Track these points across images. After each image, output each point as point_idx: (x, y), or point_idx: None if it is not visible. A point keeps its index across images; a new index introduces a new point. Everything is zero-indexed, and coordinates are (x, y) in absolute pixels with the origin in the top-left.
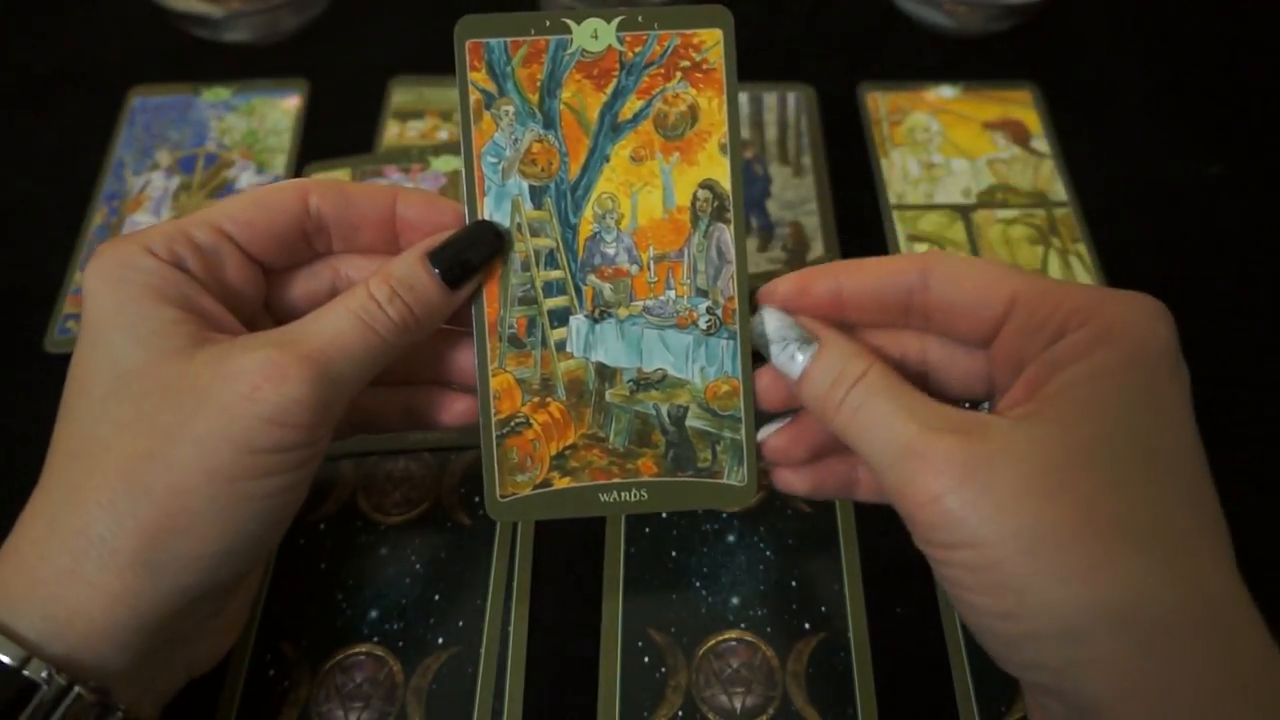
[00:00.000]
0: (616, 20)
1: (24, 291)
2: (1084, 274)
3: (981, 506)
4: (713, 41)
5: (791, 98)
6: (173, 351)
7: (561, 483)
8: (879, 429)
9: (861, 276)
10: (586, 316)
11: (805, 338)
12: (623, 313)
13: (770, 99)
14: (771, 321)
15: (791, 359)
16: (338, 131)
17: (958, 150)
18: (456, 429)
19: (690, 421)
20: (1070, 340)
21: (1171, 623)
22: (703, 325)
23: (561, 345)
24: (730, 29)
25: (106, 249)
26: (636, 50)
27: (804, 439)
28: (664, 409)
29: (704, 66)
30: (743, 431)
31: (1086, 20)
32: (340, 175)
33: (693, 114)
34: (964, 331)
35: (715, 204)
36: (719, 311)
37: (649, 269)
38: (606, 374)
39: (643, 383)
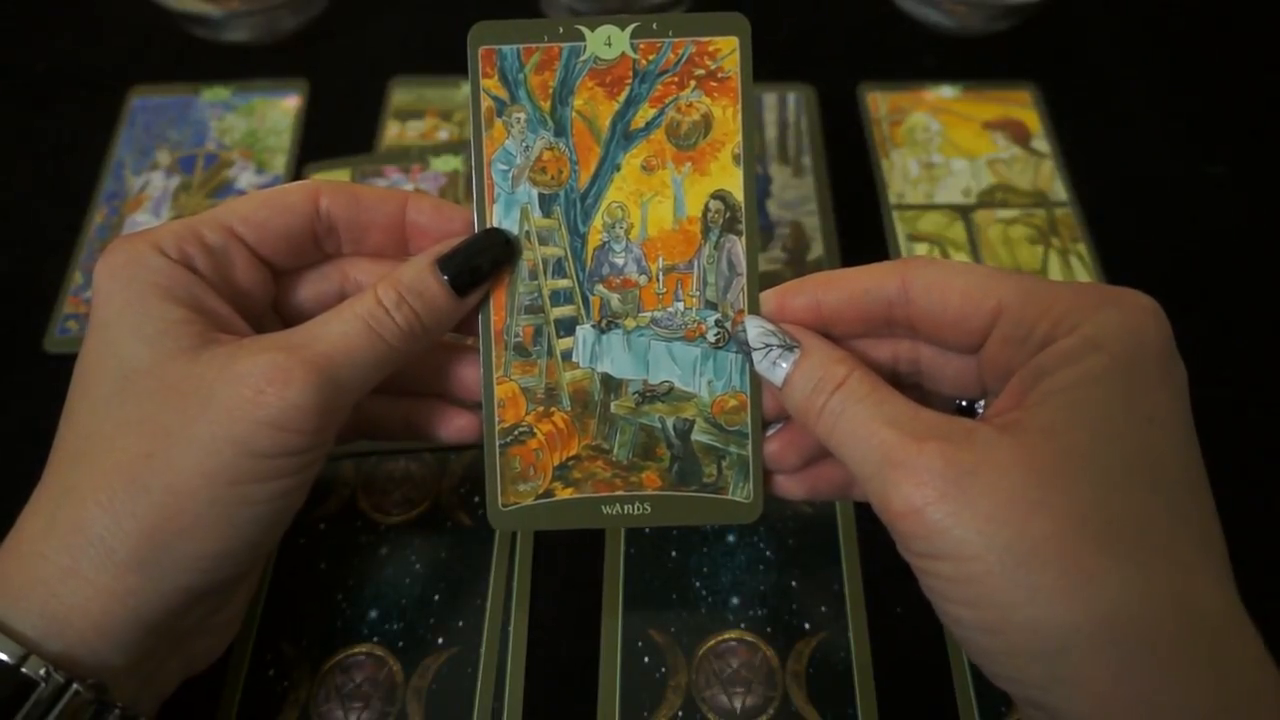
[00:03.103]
0: (631, 27)
1: (24, 291)
2: (1084, 274)
3: (964, 520)
4: (728, 50)
5: (791, 98)
6: (178, 351)
7: (564, 493)
8: (860, 436)
9: (839, 291)
10: (593, 326)
11: (787, 344)
12: (630, 324)
13: (770, 99)
14: (753, 328)
15: (774, 365)
16: (338, 131)
17: (958, 150)
18: (456, 445)
19: (696, 435)
20: (1057, 348)
21: (1154, 638)
22: (711, 338)
23: (567, 355)
24: (747, 37)
25: (116, 246)
26: (650, 58)
27: (797, 445)
28: (670, 422)
29: (719, 75)
30: (749, 447)
31: (1086, 20)
32: (340, 175)
33: (706, 123)
34: (950, 341)
35: (727, 215)
36: (728, 325)
37: (658, 280)
38: (612, 385)
39: (649, 395)
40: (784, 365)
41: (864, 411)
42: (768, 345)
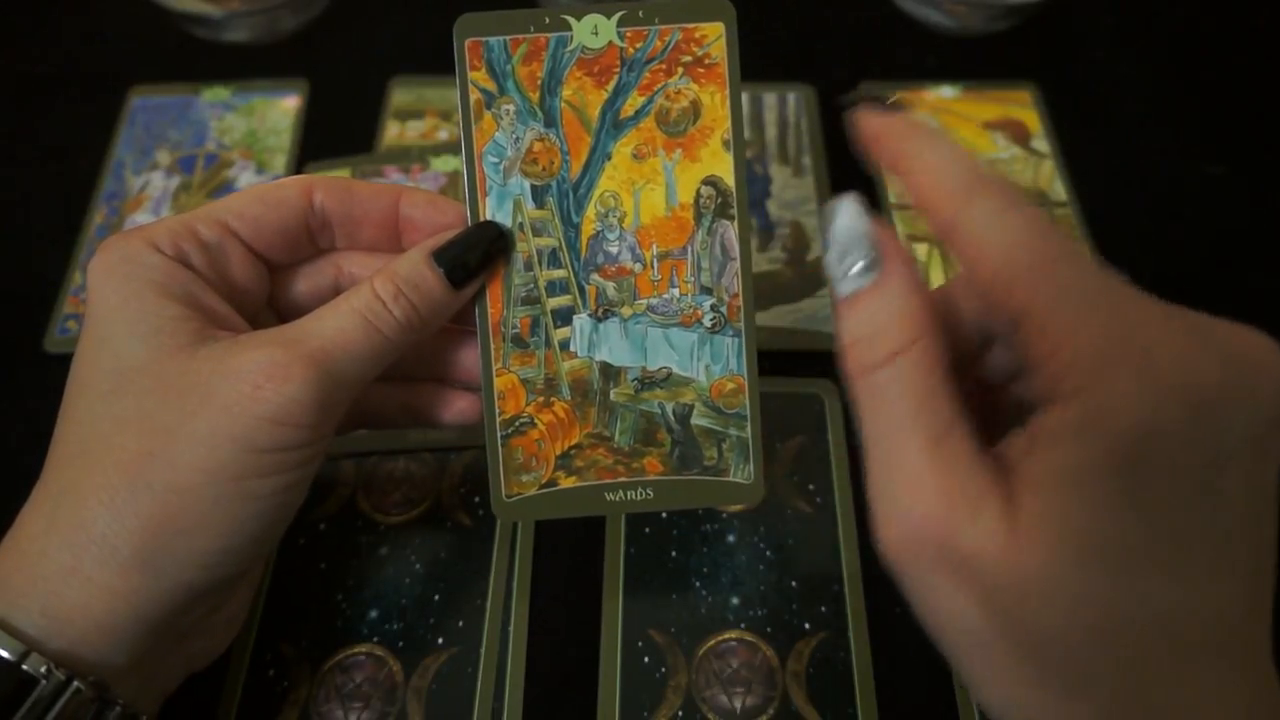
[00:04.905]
0: (617, 16)
1: (24, 291)
2: None
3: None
4: (715, 35)
5: (791, 98)
6: (175, 349)
7: (567, 482)
8: (883, 435)
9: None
10: (590, 316)
11: (873, 259)
12: (626, 311)
13: (770, 99)
14: (844, 217)
15: (845, 276)
16: (338, 131)
17: None
18: (457, 427)
19: (695, 420)
20: (1050, 418)
21: None
22: (707, 323)
23: (565, 345)
24: (733, 22)
25: (111, 244)
26: (637, 46)
27: None
28: (669, 407)
29: (706, 61)
30: (749, 429)
31: (1086, 20)
32: (340, 175)
33: (695, 110)
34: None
35: (719, 200)
36: (723, 309)
37: (652, 267)
38: (611, 373)
39: (647, 381)
40: (857, 281)
41: (904, 410)
42: (849, 249)
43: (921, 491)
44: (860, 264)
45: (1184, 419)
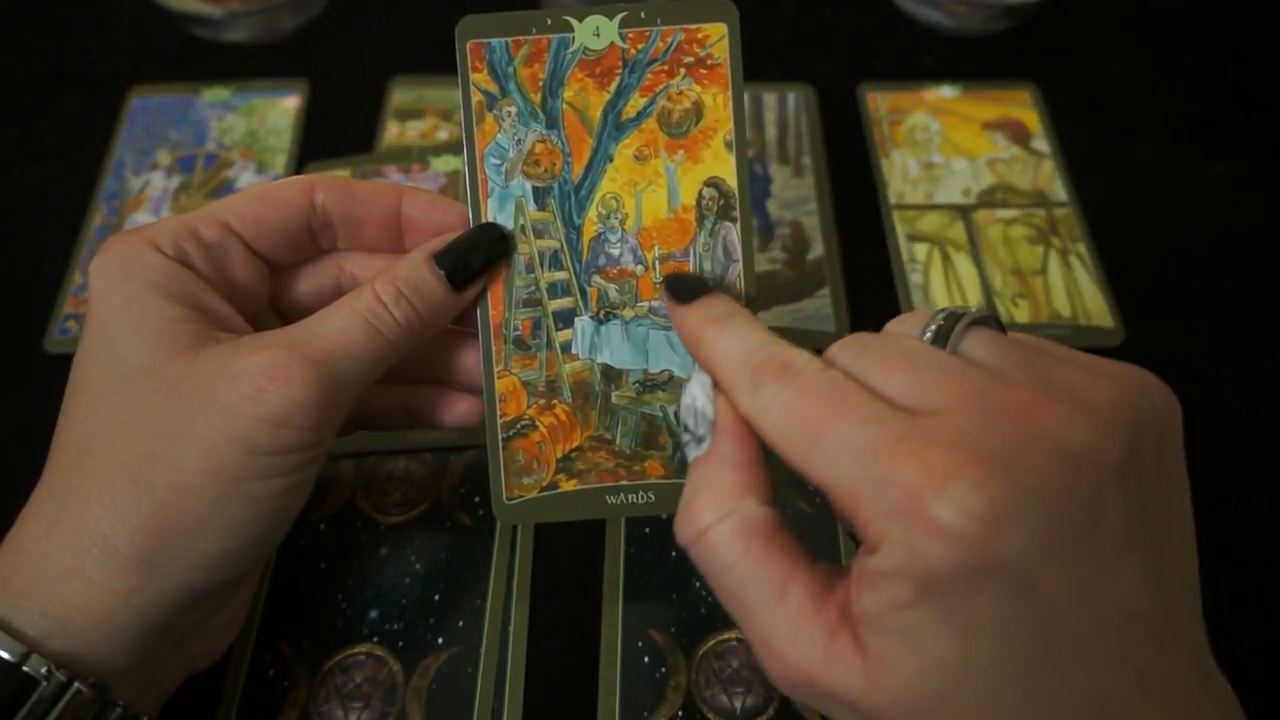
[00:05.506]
0: (619, 17)
1: (24, 291)
2: (1084, 274)
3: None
4: (717, 36)
5: (791, 98)
6: (177, 350)
7: (568, 485)
8: (738, 608)
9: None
10: (591, 318)
11: (704, 433)
12: (628, 314)
13: (770, 99)
14: (687, 396)
15: (685, 444)
16: (338, 131)
17: (958, 150)
18: (458, 429)
19: None
20: (865, 567)
21: None
22: None
23: (567, 347)
24: (735, 23)
25: (112, 244)
26: (639, 47)
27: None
28: (671, 410)
29: (708, 62)
30: None
31: (1086, 20)
32: (341, 175)
33: (697, 111)
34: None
35: (721, 202)
36: None
37: (654, 269)
38: (612, 376)
39: (649, 384)
40: (689, 454)
41: (739, 576)
42: (685, 425)
43: (777, 643)
44: (694, 435)
45: (1056, 489)
